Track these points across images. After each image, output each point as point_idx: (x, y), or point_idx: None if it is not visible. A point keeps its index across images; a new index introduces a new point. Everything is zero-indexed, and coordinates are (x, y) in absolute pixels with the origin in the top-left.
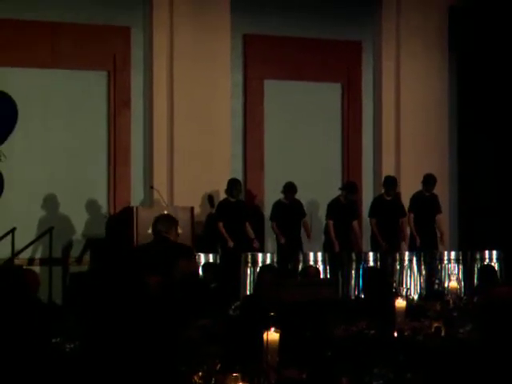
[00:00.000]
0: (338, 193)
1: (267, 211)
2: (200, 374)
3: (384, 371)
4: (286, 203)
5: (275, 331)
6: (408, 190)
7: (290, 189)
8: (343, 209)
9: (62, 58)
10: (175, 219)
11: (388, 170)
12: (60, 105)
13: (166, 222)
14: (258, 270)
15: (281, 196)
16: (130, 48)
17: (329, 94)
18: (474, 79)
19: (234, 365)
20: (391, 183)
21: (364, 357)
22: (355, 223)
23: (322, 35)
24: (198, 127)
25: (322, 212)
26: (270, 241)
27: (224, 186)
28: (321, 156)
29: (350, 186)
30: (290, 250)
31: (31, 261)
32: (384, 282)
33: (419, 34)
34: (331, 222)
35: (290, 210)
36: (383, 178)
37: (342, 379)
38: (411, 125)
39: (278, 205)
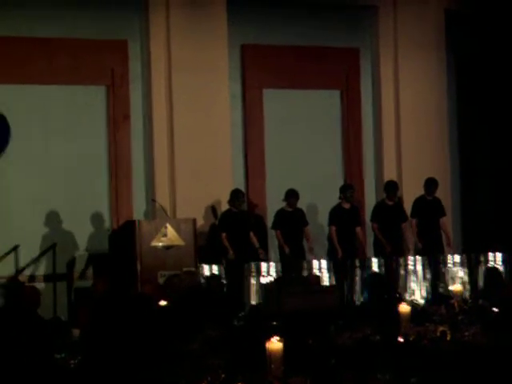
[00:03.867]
0: (340, 200)
1: (270, 220)
2: None
3: (388, 376)
4: (288, 211)
5: (278, 340)
6: (410, 194)
7: (292, 195)
8: (346, 215)
9: (59, 74)
10: None
11: (389, 174)
12: (59, 120)
13: None
14: (261, 279)
15: (282, 204)
16: (127, 61)
17: (328, 101)
18: (473, 81)
19: (238, 376)
20: (392, 187)
21: (369, 363)
22: (359, 229)
23: (319, 43)
24: (198, 138)
25: (324, 219)
26: (273, 250)
27: (226, 196)
28: (322, 163)
29: (344, 186)
30: (293, 259)
31: (35, 277)
32: (388, 287)
33: (416, 39)
34: (334, 229)
35: (292, 218)
36: (384, 183)
37: None
38: (411, 129)
39: (280, 213)
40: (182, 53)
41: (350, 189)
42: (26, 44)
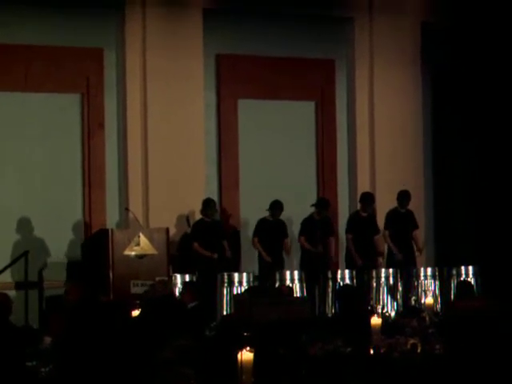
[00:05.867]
0: (313, 210)
1: (243, 231)
2: None
3: None
4: (269, 221)
5: (249, 351)
6: (383, 206)
7: (277, 207)
8: (318, 225)
9: (35, 82)
10: None
11: (363, 186)
12: (34, 128)
13: None
14: (234, 290)
15: (256, 214)
16: (103, 70)
17: (303, 112)
18: (449, 94)
19: None
20: (368, 199)
21: (340, 374)
22: (331, 239)
23: (295, 54)
24: (172, 148)
25: (297, 229)
26: (247, 261)
27: (199, 206)
28: (296, 174)
29: (322, 203)
30: (272, 269)
31: (7, 285)
32: (359, 299)
33: (392, 51)
34: (303, 239)
35: (272, 228)
36: (360, 194)
37: None
38: (386, 141)
39: (262, 222)
40: (157, 62)
41: (326, 208)
42: (2, 51)
